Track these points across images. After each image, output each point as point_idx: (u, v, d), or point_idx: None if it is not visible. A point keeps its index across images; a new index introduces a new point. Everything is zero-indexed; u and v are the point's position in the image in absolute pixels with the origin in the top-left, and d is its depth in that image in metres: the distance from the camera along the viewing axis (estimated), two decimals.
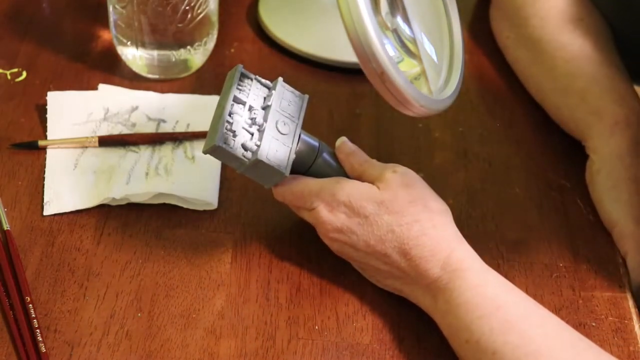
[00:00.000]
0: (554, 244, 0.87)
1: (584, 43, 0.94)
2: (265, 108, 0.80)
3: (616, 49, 0.96)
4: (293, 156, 0.79)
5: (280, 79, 0.81)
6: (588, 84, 0.92)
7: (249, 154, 0.77)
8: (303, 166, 0.81)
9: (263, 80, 0.81)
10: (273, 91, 0.80)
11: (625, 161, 0.87)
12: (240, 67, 0.80)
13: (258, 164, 0.77)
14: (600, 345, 0.75)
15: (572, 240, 0.87)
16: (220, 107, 0.79)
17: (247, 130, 0.78)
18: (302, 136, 0.80)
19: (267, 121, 0.78)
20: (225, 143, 0.77)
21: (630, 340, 0.80)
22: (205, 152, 0.77)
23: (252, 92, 0.80)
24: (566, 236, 0.88)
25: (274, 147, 0.78)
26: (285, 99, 0.81)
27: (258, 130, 0.78)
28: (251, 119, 0.79)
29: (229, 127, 0.77)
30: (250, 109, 0.79)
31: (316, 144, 0.81)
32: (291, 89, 0.82)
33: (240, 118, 0.78)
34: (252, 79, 0.81)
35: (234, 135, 0.77)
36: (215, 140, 0.76)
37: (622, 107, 0.89)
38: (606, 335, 0.80)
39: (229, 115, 0.78)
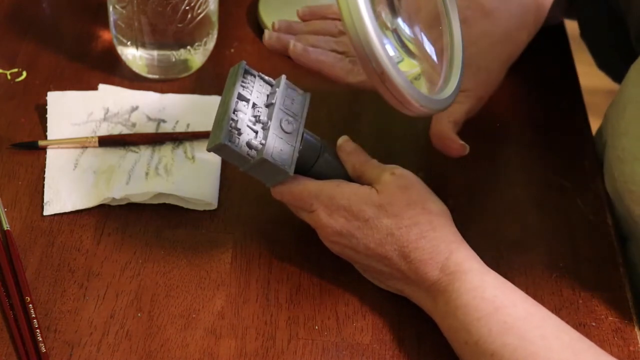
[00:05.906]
0: (554, 244, 0.87)
1: None
2: (269, 106, 0.79)
3: None
4: (297, 155, 0.78)
5: (284, 76, 0.81)
6: None
7: (253, 153, 0.77)
8: (305, 165, 0.80)
9: (266, 77, 0.81)
10: (277, 89, 0.80)
11: None
12: (243, 64, 0.80)
13: (263, 163, 0.76)
14: (600, 345, 0.75)
15: (572, 240, 0.87)
16: (224, 104, 0.78)
17: (251, 128, 0.77)
18: (305, 135, 0.80)
19: (271, 119, 0.78)
20: (230, 141, 0.76)
21: (630, 340, 0.80)
22: (209, 150, 0.77)
23: (255, 89, 0.79)
24: (566, 236, 0.88)
25: (279, 146, 0.77)
26: (288, 97, 0.80)
27: (262, 128, 0.78)
28: (255, 116, 0.78)
29: (233, 124, 0.76)
30: (254, 106, 0.78)
31: (319, 143, 0.81)
32: (294, 86, 0.81)
33: (244, 116, 0.77)
34: (255, 76, 0.80)
35: (239, 134, 0.76)
36: (220, 139, 0.75)
37: None
38: (606, 335, 0.80)
39: (233, 112, 0.77)
